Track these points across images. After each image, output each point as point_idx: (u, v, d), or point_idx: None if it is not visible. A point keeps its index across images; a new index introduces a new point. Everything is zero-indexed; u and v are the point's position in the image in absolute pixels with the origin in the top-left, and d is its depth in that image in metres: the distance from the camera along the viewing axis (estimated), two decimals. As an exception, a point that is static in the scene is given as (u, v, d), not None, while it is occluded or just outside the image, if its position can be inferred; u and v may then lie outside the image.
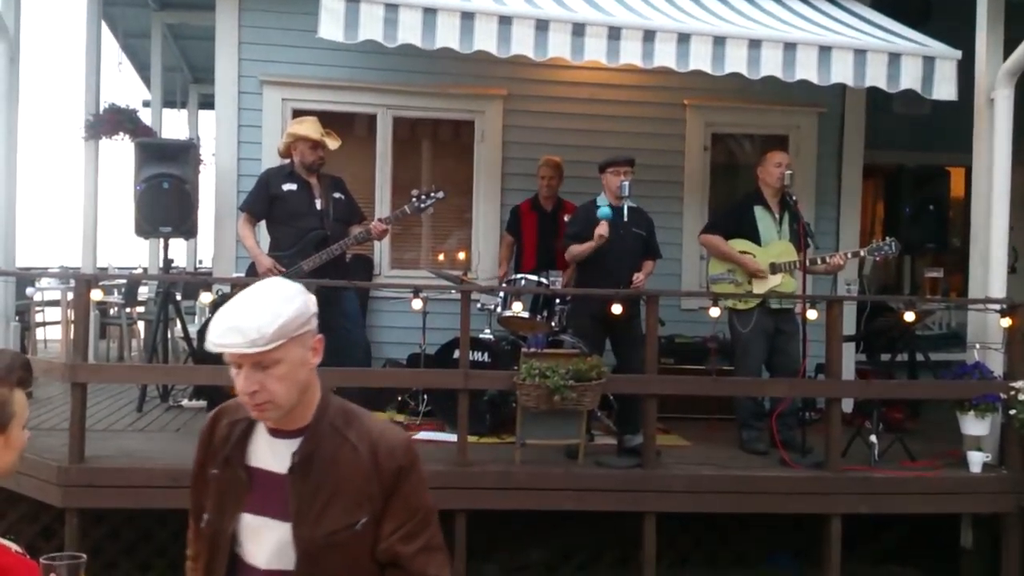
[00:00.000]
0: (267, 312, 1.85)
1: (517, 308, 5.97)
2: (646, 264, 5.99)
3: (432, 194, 5.76)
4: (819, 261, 5.97)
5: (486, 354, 6.08)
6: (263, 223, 5.88)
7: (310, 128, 5.65)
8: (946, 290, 8.24)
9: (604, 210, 5.70)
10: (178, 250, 11.19)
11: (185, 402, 6.89)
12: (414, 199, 5.76)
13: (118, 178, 8.90)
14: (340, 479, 1.94)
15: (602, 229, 5.69)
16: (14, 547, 1.88)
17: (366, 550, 1.95)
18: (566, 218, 6.57)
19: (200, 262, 12.40)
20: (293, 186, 5.65)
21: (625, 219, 5.77)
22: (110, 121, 8.21)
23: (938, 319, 8.98)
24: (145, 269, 10.79)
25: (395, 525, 1.95)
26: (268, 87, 7.26)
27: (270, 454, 2.00)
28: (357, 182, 6.90)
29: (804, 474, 5.42)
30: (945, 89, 5.75)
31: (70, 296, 7.73)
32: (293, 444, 1.96)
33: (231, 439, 2.04)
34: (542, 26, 5.45)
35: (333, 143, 5.71)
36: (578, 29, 5.48)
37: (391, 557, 1.95)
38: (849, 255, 6.20)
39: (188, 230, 6.97)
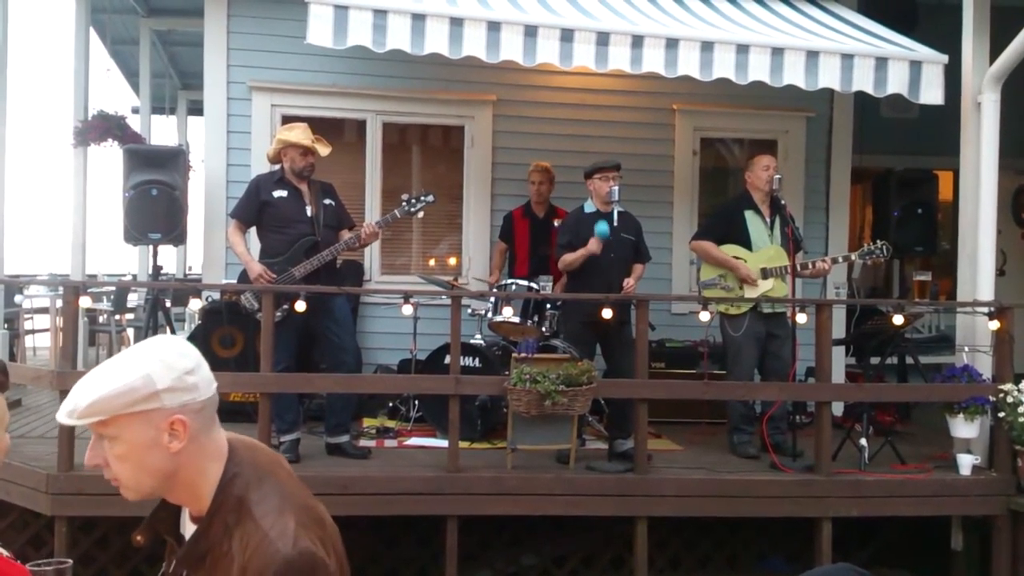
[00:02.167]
0: (93, 382, 1.62)
1: (508, 313, 5.97)
2: (635, 268, 6.01)
3: (422, 198, 5.76)
4: (811, 266, 5.99)
5: (477, 359, 6.09)
6: (253, 230, 5.87)
7: (300, 135, 5.64)
8: (935, 293, 8.26)
9: (602, 228, 5.68)
10: (167, 257, 11.18)
11: (175, 409, 6.85)
12: (404, 203, 5.76)
13: (107, 185, 8.87)
14: None
15: (594, 247, 5.70)
16: (3, 552, 1.87)
17: None
18: (557, 223, 6.57)
19: (189, 269, 12.37)
20: (283, 192, 5.64)
21: (615, 224, 5.78)
22: (98, 128, 8.18)
23: (927, 322, 9.02)
24: (134, 276, 10.77)
25: None
26: (257, 93, 7.25)
27: (188, 532, 1.76)
28: (347, 188, 6.89)
29: (795, 478, 5.43)
30: (932, 93, 5.79)
31: (59, 303, 7.69)
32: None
33: (162, 507, 1.81)
34: (531, 32, 5.47)
35: (323, 149, 5.70)
36: (567, 35, 5.50)
37: None
38: (840, 259, 6.23)
39: (177, 237, 6.96)
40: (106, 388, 1.59)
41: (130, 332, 9.85)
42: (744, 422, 6.04)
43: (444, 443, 5.49)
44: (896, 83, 5.76)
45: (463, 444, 5.50)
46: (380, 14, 5.35)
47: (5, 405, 1.90)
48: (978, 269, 5.78)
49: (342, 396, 5.65)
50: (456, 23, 5.41)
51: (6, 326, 8.51)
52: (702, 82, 5.74)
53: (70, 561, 1.84)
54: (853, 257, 6.13)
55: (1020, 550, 5.40)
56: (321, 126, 6.41)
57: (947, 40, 6.03)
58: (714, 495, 5.34)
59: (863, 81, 5.75)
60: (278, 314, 5.35)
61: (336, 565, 1.68)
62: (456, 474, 5.20)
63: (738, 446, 5.98)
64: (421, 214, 5.89)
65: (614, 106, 7.61)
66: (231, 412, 6.40)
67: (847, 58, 5.73)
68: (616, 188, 5.79)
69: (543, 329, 6.06)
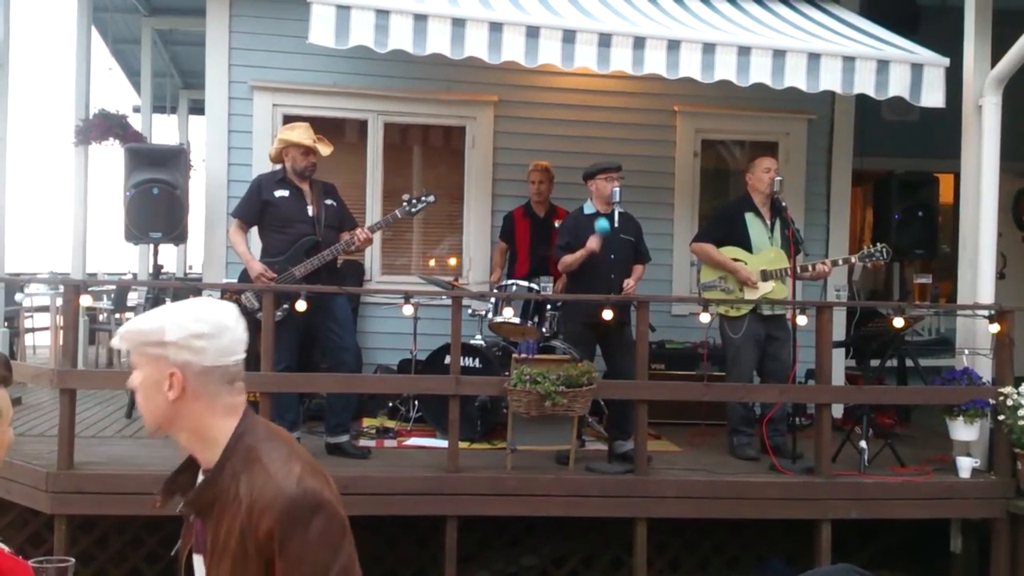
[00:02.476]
0: (136, 318, 1.84)
1: (508, 314, 5.97)
2: (635, 269, 6.01)
3: (423, 198, 5.77)
4: (810, 268, 6.00)
5: (477, 360, 6.09)
6: (255, 229, 5.87)
7: (302, 134, 5.64)
8: (935, 296, 8.26)
9: (603, 224, 5.67)
10: (168, 256, 11.18)
11: (175, 408, 6.86)
12: (404, 203, 5.76)
13: (108, 184, 8.87)
14: (228, 534, 1.74)
15: (593, 244, 5.70)
16: (6, 548, 1.88)
17: None
18: (558, 224, 6.58)
19: (190, 268, 12.38)
20: (285, 192, 5.65)
21: (616, 225, 5.78)
22: (100, 127, 8.19)
23: (927, 325, 9.02)
24: (135, 275, 10.77)
25: None
26: (259, 93, 7.25)
27: None
28: (348, 188, 6.89)
29: (794, 480, 5.43)
30: (933, 96, 5.79)
31: (59, 302, 7.69)
32: None
33: (182, 469, 1.92)
34: (533, 33, 5.47)
35: (325, 149, 5.70)
36: (568, 36, 5.50)
37: None
38: (840, 261, 6.23)
39: (178, 236, 6.95)
40: (135, 324, 1.81)
41: (130, 331, 9.85)
42: (744, 424, 6.04)
43: (444, 443, 5.49)
44: (897, 86, 5.76)
45: (463, 444, 5.50)
46: (382, 14, 5.35)
47: (8, 399, 1.91)
48: (978, 272, 5.79)
49: (342, 396, 5.66)
50: (458, 24, 5.41)
51: (6, 324, 8.52)
52: (703, 84, 5.74)
53: (72, 560, 1.85)
54: (853, 259, 6.13)
55: (1019, 553, 5.40)
56: (322, 126, 6.41)
57: (948, 43, 6.03)
58: (714, 497, 5.34)
59: (864, 84, 5.75)
60: (278, 313, 5.36)
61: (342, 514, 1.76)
62: (456, 474, 5.20)
63: (738, 448, 5.98)
64: (422, 215, 5.89)
65: (615, 107, 7.61)
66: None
67: (848, 60, 5.73)
68: (617, 189, 5.79)
69: (543, 330, 6.06)
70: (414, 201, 5.76)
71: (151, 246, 7.13)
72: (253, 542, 1.70)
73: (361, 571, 1.80)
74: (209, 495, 1.77)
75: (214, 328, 1.79)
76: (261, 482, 1.72)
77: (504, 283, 6.42)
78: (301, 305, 5.22)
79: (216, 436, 1.80)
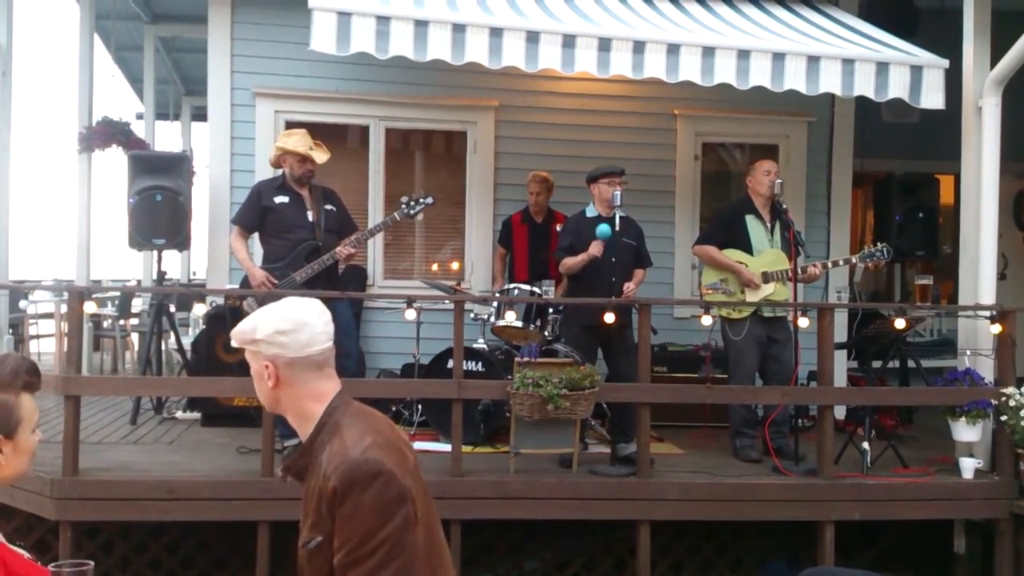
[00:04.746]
0: (243, 320, 2.15)
1: (510, 317, 5.99)
2: (636, 273, 6.02)
3: (421, 200, 5.78)
4: (801, 272, 6.01)
5: (480, 364, 6.10)
6: (256, 235, 5.89)
7: (298, 141, 5.66)
8: (936, 297, 8.26)
9: (604, 229, 5.69)
10: (172, 262, 11.21)
11: (179, 414, 6.89)
12: (403, 205, 5.78)
13: (111, 190, 8.90)
14: (311, 494, 2.03)
15: (596, 250, 5.72)
16: (26, 554, 1.90)
17: (326, 570, 1.96)
18: (558, 228, 6.59)
19: (194, 274, 12.42)
20: (285, 198, 5.66)
21: (617, 229, 5.80)
22: (103, 134, 8.22)
23: (929, 326, 9.03)
24: (139, 281, 10.80)
25: (337, 547, 1.94)
26: (261, 99, 7.28)
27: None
28: (350, 193, 6.92)
29: (797, 481, 5.44)
30: (933, 98, 5.80)
31: (63, 309, 7.71)
32: None
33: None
34: (533, 38, 5.49)
35: (321, 156, 5.71)
36: (568, 41, 5.52)
37: None
38: (841, 262, 6.23)
39: (181, 242, 6.98)
40: (239, 326, 2.14)
41: (134, 337, 9.89)
42: (746, 426, 6.05)
43: (447, 447, 5.50)
44: (897, 87, 5.77)
45: (466, 448, 5.52)
46: (383, 20, 5.37)
47: (34, 405, 1.99)
48: (980, 273, 5.79)
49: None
50: (458, 29, 5.44)
51: (11, 331, 8.54)
52: (703, 87, 5.76)
53: (91, 563, 1.92)
54: (854, 260, 6.14)
55: (1022, 554, 5.41)
56: (324, 132, 6.44)
57: (948, 45, 6.04)
58: (716, 499, 5.35)
59: (864, 86, 5.76)
60: (281, 319, 5.36)
61: (414, 488, 2.03)
62: (459, 478, 5.22)
63: (740, 450, 5.99)
64: (420, 216, 5.91)
65: (616, 111, 7.63)
66: (234, 416, 6.45)
67: (848, 63, 5.74)
68: (619, 193, 5.80)
69: (545, 333, 6.07)
70: (412, 203, 5.77)
71: (155, 252, 7.16)
72: (326, 502, 1.95)
73: (417, 543, 1.99)
74: (302, 462, 2.08)
75: (294, 325, 2.10)
76: (336, 450, 2.00)
77: (506, 287, 6.44)
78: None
79: (310, 414, 2.10)
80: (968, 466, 5.52)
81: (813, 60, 5.71)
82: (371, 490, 1.93)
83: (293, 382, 2.10)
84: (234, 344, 2.16)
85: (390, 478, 1.95)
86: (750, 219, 6.09)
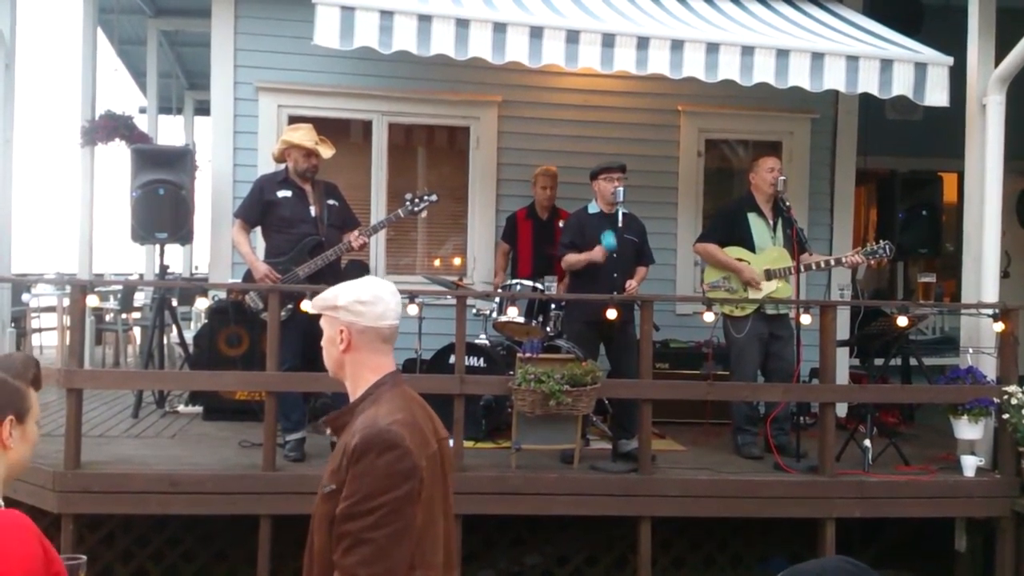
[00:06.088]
0: (325, 291, 2.37)
1: (512, 313, 5.99)
2: (639, 270, 6.01)
3: (425, 197, 5.78)
4: (813, 266, 6.00)
5: (482, 359, 6.10)
6: (258, 229, 5.89)
7: (304, 136, 5.66)
8: (939, 295, 8.27)
9: (609, 241, 5.69)
10: (174, 256, 11.22)
11: (181, 408, 6.90)
12: (407, 202, 5.78)
13: (114, 184, 8.91)
14: (339, 449, 2.23)
15: (598, 256, 5.72)
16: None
17: (331, 515, 2.13)
18: (561, 224, 6.58)
19: (196, 268, 12.41)
20: (287, 193, 5.66)
21: (619, 225, 5.79)
22: (106, 127, 8.21)
23: (931, 323, 9.02)
24: (141, 275, 10.81)
25: (343, 498, 2.11)
26: (264, 93, 7.28)
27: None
28: (353, 188, 6.92)
29: (799, 478, 5.44)
30: (937, 95, 5.78)
31: (66, 302, 7.73)
32: None
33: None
34: (536, 33, 5.48)
35: (327, 152, 5.71)
36: (572, 36, 5.51)
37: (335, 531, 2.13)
38: (843, 260, 6.23)
39: (184, 236, 6.98)
40: (321, 295, 2.36)
41: (136, 331, 9.90)
42: (748, 423, 6.05)
43: (449, 443, 5.50)
44: (901, 85, 5.76)
45: (467, 444, 5.52)
46: (386, 15, 5.37)
47: (37, 399, 2.09)
48: (982, 271, 5.78)
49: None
50: (462, 24, 5.43)
51: (13, 325, 8.55)
52: (707, 83, 5.75)
53: (83, 557, 2.00)
54: (856, 257, 6.12)
55: (1024, 552, 5.41)
56: (327, 127, 6.43)
57: (952, 42, 6.03)
58: (718, 495, 5.35)
59: (868, 83, 5.75)
60: (283, 314, 5.38)
61: (427, 472, 2.17)
62: (461, 473, 5.21)
63: (742, 447, 5.99)
64: (424, 213, 5.90)
65: (619, 107, 7.62)
66: (236, 411, 6.46)
67: (852, 60, 5.73)
68: (621, 189, 5.79)
69: (547, 329, 6.07)
70: (416, 200, 5.77)
71: (157, 246, 7.16)
72: (346, 457, 2.14)
73: (414, 518, 2.11)
74: (343, 419, 2.33)
75: (372, 297, 2.30)
76: (369, 415, 2.21)
77: (508, 283, 6.44)
78: (306, 305, 5.24)
79: (363, 382, 2.33)
80: (970, 464, 5.52)
81: (817, 57, 5.70)
82: (385, 457, 2.10)
83: (360, 349, 2.31)
84: (312, 310, 2.39)
85: (405, 452, 2.12)
86: (752, 216, 6.08)
